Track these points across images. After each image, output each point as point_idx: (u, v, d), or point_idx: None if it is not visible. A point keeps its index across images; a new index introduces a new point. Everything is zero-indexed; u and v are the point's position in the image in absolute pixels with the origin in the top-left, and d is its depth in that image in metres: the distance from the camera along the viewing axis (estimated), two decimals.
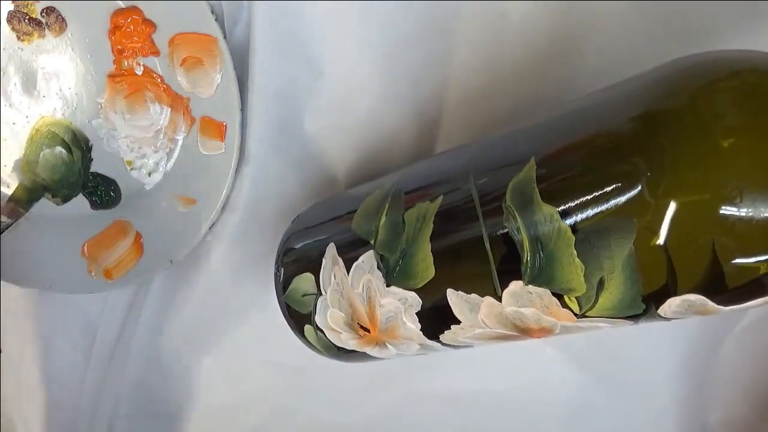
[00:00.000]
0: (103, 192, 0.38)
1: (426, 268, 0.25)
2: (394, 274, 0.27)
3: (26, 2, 0.36)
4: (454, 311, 0.25)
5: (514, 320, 0.24)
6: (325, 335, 0.31)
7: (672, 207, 0.19)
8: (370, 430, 0.41)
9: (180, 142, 0.37)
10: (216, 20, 0.35)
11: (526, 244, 0.22)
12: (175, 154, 0.37)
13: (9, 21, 0.36)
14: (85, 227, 0.39)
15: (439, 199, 0.25)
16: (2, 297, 0.41)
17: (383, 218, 0.27)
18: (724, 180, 0.18)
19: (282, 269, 0.32)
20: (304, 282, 0.31)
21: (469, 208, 0.24)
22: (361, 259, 0.28)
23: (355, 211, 0.29)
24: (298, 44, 0.34)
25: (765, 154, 0.18)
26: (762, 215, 0.18)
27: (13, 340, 0.42)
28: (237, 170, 0.36)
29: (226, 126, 0.36)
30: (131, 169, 0.38)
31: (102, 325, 0.42)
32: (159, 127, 0.37)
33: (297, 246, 0.32)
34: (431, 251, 0.25)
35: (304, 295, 0.31)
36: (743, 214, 0.18)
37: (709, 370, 0.36)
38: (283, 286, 0.32)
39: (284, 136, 0.36)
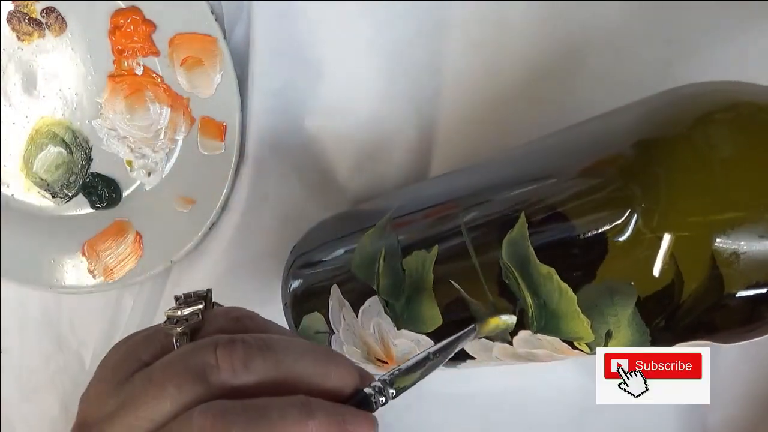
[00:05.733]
0: (103, 192, 0.38)
1: (433, 316, 0.25)
2: (402, 319, 0.27)
3: (26, 2, 0.36)
4: (467, 350, 0.26)
5: (528, 357, 0.24)
6: None
7: (667, 238, 0.19)
8: None
9: (180, 142, 0.37)
10: (216, 20, 0.35)
11: (529, 300, 0.22)
12: (175, 154, 0.37)
13: (9, 21, 0.36)
14: (85, 227, 0.39)
15: (435, 249, 0.25)
16: (2, 297, 0.41)
17: (382, 263, 0.27)
18: (718, 210, 0.18)
19: (290, 307, 0.33)
20: (314, 321, 0.31)
21: (466, 260, 0.24)
22: (367, 303, 0.28)
23: (353, 249, 0.29)
24: (298, 44, 0.34)
25: (759, 185, 0.18)
26: (756, 247, 0.18)
27: (13, 340, 0.42)
28: (237, 170, 0.36)
29: (226, 126, 0.36)
30: (131, 169, 0.38)
31: (102, 325, 0.42)
32: (159, 127, 0.37)
33: (300, 284, 0.32)
34: (435, 300, 0.25)
35: (317, 333, 0.31)
36: (737, 245, 0.18)
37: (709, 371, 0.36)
38: (294, 323, 0.32)
39: (284, 136, 0.36)
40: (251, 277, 0.39)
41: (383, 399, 0.20)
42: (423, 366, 0.22)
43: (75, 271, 0.39)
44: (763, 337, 0.20)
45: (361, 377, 0.20)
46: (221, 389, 0.18)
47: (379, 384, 0.20)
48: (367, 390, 0.20)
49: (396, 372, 0.21)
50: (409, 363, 0.21)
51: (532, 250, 0.21)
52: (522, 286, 0.22)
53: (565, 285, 0.21)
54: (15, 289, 0.40)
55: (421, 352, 0.22)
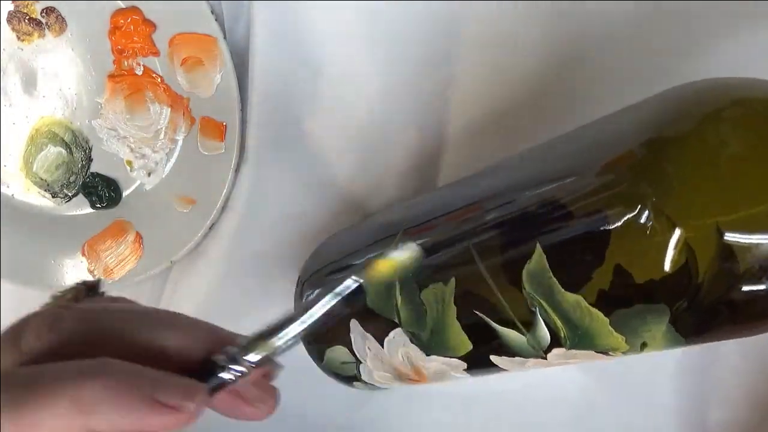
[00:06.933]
0: (103, 192, 0.38)
1: (462, 342, 0.25)
2: (430, 347, 0.26)
3: (26, 2, 0.36)
4: (500, 366, 0.25)
5: (561, 365, 0.24)
6: (376, 386, 0.31)
7: (677, 233, 0.19)
8: (370, 430, 0.41)
9: (180, 142, 0.37)
10: (216, 20, 0.35)
11: (560, 324, 0.22)
12: (175, 154, 0.37)
13: (9, 21, 0.36)
14: (85, 227, 0.39)
15: (452, 282, 0.25)
16: (2, 297, 0.41)
17: (399, 297, 0.27)
18: (728, 206, 0.18)
19: (308, 341, 0.32)
20: (338, 353, 0.31)
21: (488, 292, 0.23)
22: (391, 335, 0.27)
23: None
24: (298, 44, 0.34)
25: None
26: (766, 242, 0.18)
27: None
28: (237, 170, 0.36)
29: (226, 126, 0.36)
30: (131, 170, 0.38)
31: None
32: (159, 127, 0.37)
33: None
34: (462, 329, 0.25)
35: (344, 363, 0.31)
36: (748, 240, 0.18)
37: (709, 370, 0.36)
38: (318, 357, 0.32)
39: (284, 136, 0.36)
40: (251, 277, 0.39)
41: (238, 368, 0.18)
42: (286, 329, 0.19)
43: (75, 271, 0.39)
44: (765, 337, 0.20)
45: (212, 341, 0.19)
46: (29, 354, 0.17)
47: (233, 349, 0.18)
48: (216, 357, 0.18)
49: (253, 338, 0.19)
50: (268, 328, 0.19)
51: (555, 280, 0.21)
52: (551, 312, 0.22)
53: (595, 310, 0.20)
54: (15, 289, 0.40)
55: (287, 315, 0.20)
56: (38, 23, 0.36)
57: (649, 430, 0.38)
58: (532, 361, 0.24)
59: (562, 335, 0.22)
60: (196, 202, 0.37)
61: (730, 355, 0.35)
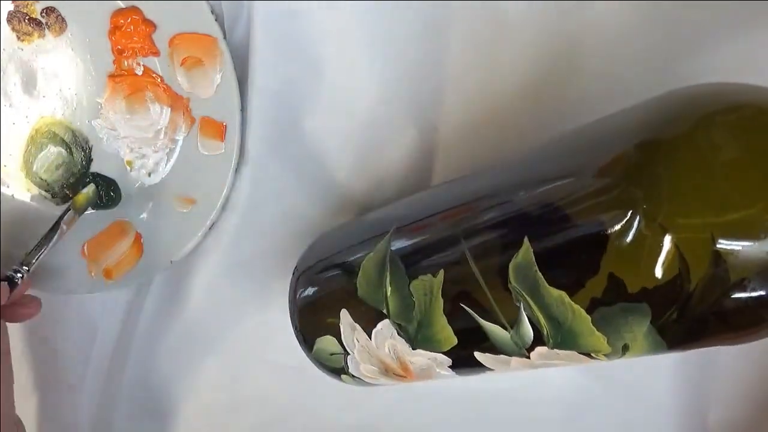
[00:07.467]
0: (103, 192, 0.38)
1: (447, 337, 0.25)
2: (416, 340, 0.27)
3: (26, 2, 0.36)
4: (485, 364, 0.26)
5: (545, 365, 0.24)
6: (363, 380, 0.31)
7: (668, 239, 0.19)
8: (369, 429, 0.41)
9: (180, 142, 0.37)
10: (216, 20, 0.35)
11: (543, 321, 0.22)
12: (175, 154, 0.37)
13: (9, 21, 0.36)
14: (85, 227, 0.39)
15: (441, 274, 0.25)
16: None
17: (389, 287, 0.27)
18: (720, 211, 0.18)
19: (300, 330, 0.32)
20: (327, 343, 0.31)
21: (475, 285, 0.24)
22: (379, 326, 0.28)
23: (357, 272, 0.29)
24: (298, 44, 0.34)
25: (761, 186, 0.18)
26: (758, 248, 0.18)
27: (13, 340, 0.42)
28: (237, 170, 0.36)
29: (226, 126, 0.36)
30: (131, 169, 0.38)
31: (102, 325, 0.42)
32: (159, 127, 0.37)
33: (307, 308, 0.32)
34: (448, 322, 0.25)
35: (332, 354, 0.31)
36: (739, 246, 0.18)
37: (709, 370, 0.36)
38: (308, 346, 0.32)
39: (284, 136, 0.36)
40: (251, 277, 0.39)
41: (20, 275, 0.34)
42: (44, 245, 0.35)
43: (75, 271, 0.39)
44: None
45: None
46: None
47: (15, 267, 0.34)
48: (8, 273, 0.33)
49: (29, 253, 0.35)
50: (34, 248, 0.35)
51: (540, 275, 0.21)
52: (534, 308, 0.22)
53: (577, 306, 0.21)
54: None
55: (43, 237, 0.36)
56: (38, 23, 0.36)
57: (648, 430, 0.38)
58: (515, 360, 0.24)
59: (545, 332, 0.22)
60: (196, 202, 0.37)
61: (729, 355, 0.35)
